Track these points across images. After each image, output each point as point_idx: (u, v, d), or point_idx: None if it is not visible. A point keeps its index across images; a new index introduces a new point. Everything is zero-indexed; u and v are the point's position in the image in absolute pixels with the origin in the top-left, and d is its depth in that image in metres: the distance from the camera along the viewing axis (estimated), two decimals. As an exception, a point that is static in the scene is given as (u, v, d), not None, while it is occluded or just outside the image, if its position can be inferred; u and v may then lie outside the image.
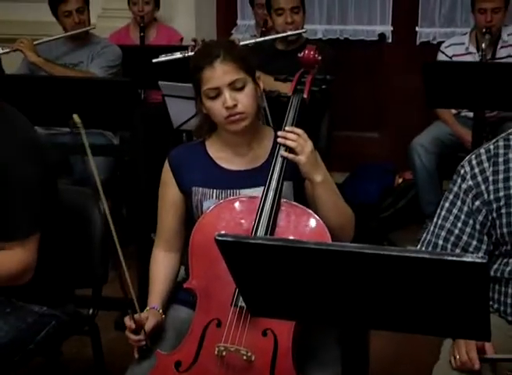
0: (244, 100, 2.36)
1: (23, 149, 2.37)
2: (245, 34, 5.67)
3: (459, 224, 2.30)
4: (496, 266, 2.29)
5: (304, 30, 4.32)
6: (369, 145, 5.60)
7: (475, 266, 1.49)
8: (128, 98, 3.71)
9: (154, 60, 4.08)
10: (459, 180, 2.33)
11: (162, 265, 2.50)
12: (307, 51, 2.52)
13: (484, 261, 1.48)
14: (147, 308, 2.39)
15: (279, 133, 2.32)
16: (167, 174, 2.51)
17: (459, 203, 2.31)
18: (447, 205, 2.34)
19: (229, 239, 1.69)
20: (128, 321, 2.29)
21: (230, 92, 2.35)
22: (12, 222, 2.33)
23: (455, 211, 2.31)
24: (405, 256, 1.53)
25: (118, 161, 4.52)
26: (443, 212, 2.34)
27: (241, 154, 2.48)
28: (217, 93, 2.35)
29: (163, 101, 3.77)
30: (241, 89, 2.36)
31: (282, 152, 2.30)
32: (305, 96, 2.45)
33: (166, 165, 2.52)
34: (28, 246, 2.34)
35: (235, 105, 2.34)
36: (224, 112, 2.35)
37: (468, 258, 1.49)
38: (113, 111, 3.71)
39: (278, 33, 4.36)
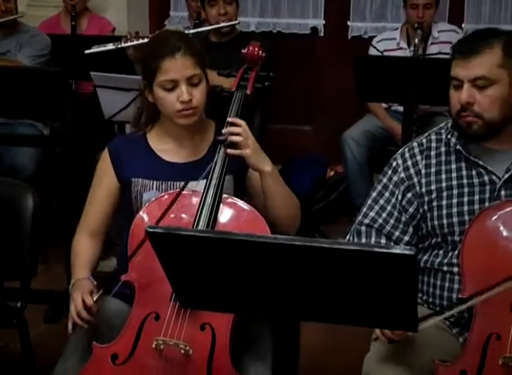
0: (199, 96, 2.37)
1: None
2: (178, 26, 5.64)
3: (383, 214, 2.34)
4: (425, 257, 2.33)
5: (237, 22, 4.31)
6: (302, 138, 5.63)
7: (404, 258, 1.51)
8: (59, 88, 3.67)
9: (86, 51, 4.02)
10: (389, 172, 2.36)
11: (87, 245, 2.48)
12: (251, 48, 2.52)
13: (412, 253, 1.50)
14: (77, 279, 2.36)
15: (223, 130, 2.32)
16: (105, 162, 2.49)
17: (387, 194, 2.35)
18: (374, 194, 2.38)
19: (159, 230, 1.68)
20: (89, 298, 2.26)
21: (187, 87, 2.35)
22: None
23: (381, 201, 2.35)
24: (335, 248, 1.54)
25: (48, 152, 4.46)
26: (369, 201, 2.38)
27: (183, 146, 2.47)
28: (173, 85, 2.35)
29: (94, 92, 3.73)
30: (197, 85, 2.37)
31: (229, 150, 2.30)
32: (248, 92, 2.46)
33: (105, 154, 2.50)
34: None
35: (190, 100, 2.35)
36: (178, 105, 2.35)
37: (397, 250, 1.51)
38: (44, 101, 3.66)
39: (211, 25, 4.35)
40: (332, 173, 5.07)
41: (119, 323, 2.29)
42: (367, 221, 2.35)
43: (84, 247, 2.47)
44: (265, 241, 1.63)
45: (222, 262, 1.69)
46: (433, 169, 2.32)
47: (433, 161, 2.33)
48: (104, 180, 2.49)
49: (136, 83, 3.39)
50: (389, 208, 2.34)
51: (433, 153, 2.33)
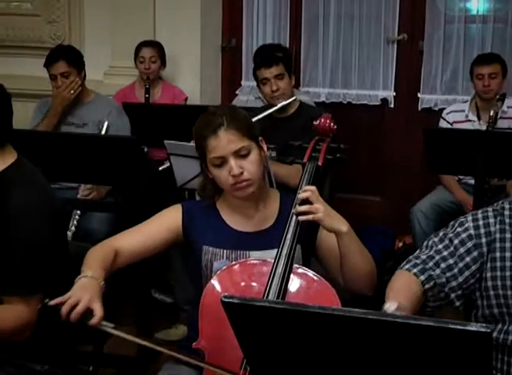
0: (250, 167, 2.40)
1: (38, 209, 2.38)
2: (249, 96, 5.75)
3: (442, 265, 2.31)
4: (495, 334, 2.30)
5: (293, 98, 4.33)
6: (370, 208, 5.63)
7: (480, 336, 1.50)
8: (133, 155, 3.76)
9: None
10: (458, 229, 2.35)
11: (111, 253, 2.41)
12: (322, 120, 2.57)
13: (488, 330, 1.49)
14: (91, 274, 2.25)
15: (295, 210, 2.32)
16: (176, 213, 2.53)
17: (451, 248, 2.33)
18: (440, 246, 2.35)
19: (234, 301, 1.71)
20: (98, 318, 2.15)
21: (236, 160, 2.38)
22: (19, 277, 2.33)
23: (445, 253, 2.33)
24: (409, 323, 1.55)
25: (120, 216, 4.54)
26: (431, 252, 2.34)
27: (249, 216, 2.51)
28: (222, 161, 2.38)
29: (168, 160, 3.81)
30: (246, 156, 2.40)
31: (300, 217, 2.32)
32: (320, 163, 2.50)
33: (178, 208, 2.54)
34: (31, 304, 2.34)
35: (241, 173, 2.38)
36: (230, 179, 2.39)
37: (472, 328, 1.51)
38: (118, 168, 3.75)
39: (268, 102, 4.42)
40: (400, 244, 5.05)
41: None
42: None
43: (108, 252, 2.42)
44: (339, 314, 1.64)
45: (295, 333, 1.70)
46: (508, 235, 2.30)
47: (507, 228, 2.31)
48: (167, 223, 2.51)
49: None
50: (450, 261, 2.31)
51: (508, 221, 2.32)
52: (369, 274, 2.44)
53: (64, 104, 4.66)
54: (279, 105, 4.20)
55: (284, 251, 2.31)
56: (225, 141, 2.37)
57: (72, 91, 4.64)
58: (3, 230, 2.33)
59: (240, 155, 2.39)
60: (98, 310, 2.15)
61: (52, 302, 2.16)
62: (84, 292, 2.17)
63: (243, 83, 5.91)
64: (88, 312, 2.14)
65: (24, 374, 2.44)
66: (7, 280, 2.33)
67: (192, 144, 3.66)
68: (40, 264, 2.36)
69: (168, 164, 3.88)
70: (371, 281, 2.45)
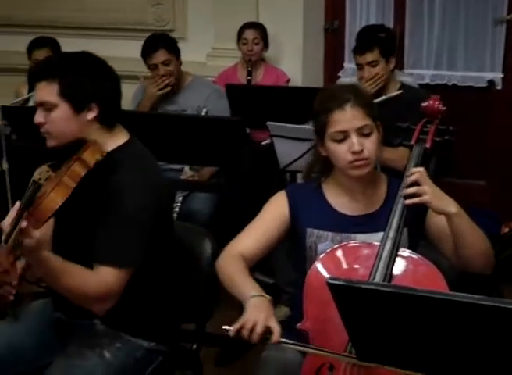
0: (370, 146, 2.38)
1: (142, 188, 2.42)
2: (352, 78, 5.69)
3: None
4: None
5: (398, 92, 4.25)
6: (474, 193, 5.52)
7: None
8: (236, 136, 3.78)
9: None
10: None
11: (243, 264, 2.44)
12: (431, 101, 2.53)
13: None
14: (257, 294, 2.27)
15: (402, 192, 2.31)
16: (282, 202, 2.53)
17: None
18: None
19: (341, 283, 1.70)
20: (277, 336, 2.15)
21: (358, 137, 2.37)
22: (112, 247, 2.36)
23: None
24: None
25: (223, 198, 4.57)
26: None
27: (356, 199, 2.49)
28: (344, 136, 2.38)
29: (271, 141, 3.82)
30: (368, 135, 2.39)
31: (407, 201, 2.29)
32: (427, 146, 2.46)
33: (282, 195, 2.55)
34: (119, 275, 2.36)
35: (361, 151, 2.36)
36: (349, 156, 2.38)
37: None
38: (222, 149, 3.78)
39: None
40: (506, 230, 4.93)
41: (293, 372, 2.30)
42: None
43: (242, 262, 2.45)
44: (448, 299, 1.61)
45: (401, 317, 1.68)
46: None
47: None
48: (277, 215, 2.53)
49: (311, 134, 3.48)
50: None
51: None
52: (486, 252, 2.39)
53: (152, 100, 4.70)
54: (388, 96, 4.14)
55: (391, 234, 2.29)
56: (350, 116, 2.37)
57: (160, 87, 4.67)
58: (106, 203, 2.37)
59: (363, 133, 2.38)
60: (275, 327, 2.16)
61: (232, 333, 2.18)
62: (259, 313, 2.19)
63: (345, 65, 5.86)
64: (267, 332, 2.17)
65: (131, 349, 2.49)
66: (101, 249, 2.36)
67: (296, 125, 3.69)
68: (137, 240, 2.39)
69: (269, 140, 3.88)
70: (488, 259, 2.40)
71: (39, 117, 2.46)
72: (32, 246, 2.13)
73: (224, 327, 2.20)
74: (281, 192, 2.57)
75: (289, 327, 2.37)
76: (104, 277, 2.34)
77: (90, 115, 2.45)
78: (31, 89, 4.80)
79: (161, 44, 4.69)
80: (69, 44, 4.78)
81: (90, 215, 2.39)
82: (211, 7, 5.72)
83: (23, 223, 2.07)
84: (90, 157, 2.35)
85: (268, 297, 2.28)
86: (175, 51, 4.73)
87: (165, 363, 2.56)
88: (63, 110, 2.43)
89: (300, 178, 4.69)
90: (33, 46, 4.86)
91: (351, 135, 2.37)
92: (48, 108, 2.43)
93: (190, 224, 3.12)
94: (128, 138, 2.55)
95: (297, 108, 4.13)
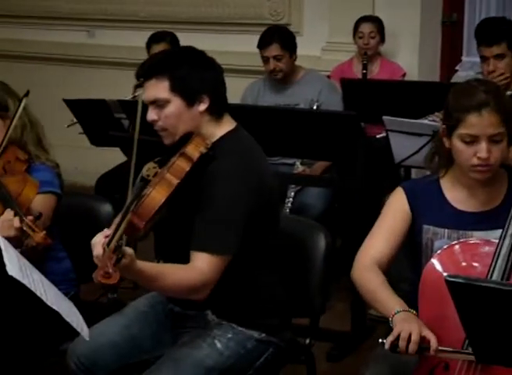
0: (497, 154, 2.31)
1: (241, 177, 2.42)
2: (469, 71, 5.57)
3: None
4: None
5: None
6: None
7: None
8: (351, 131, 3.76)
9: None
10: None
11: (382, 275, 2.39)
12: None
13: None
14: (404, 309, 2.24)
15: None
16: (401, 199, 2.48)
17: None
18: None
19: (459, 280, 1.67)
20: (435, 342, 2.11)
21: (487, 144, 2.29)
22: (209, 234, 2.38)
23: None
24: None
25: (336, 193, 4.55)
26: None
27: (475, 195, 2.42)
28: (473, 140, 2.30)
29: (386, 136, 3.78)
30: (498, 142, 2.30)
31: None
32: None
33: (400, 192, 2.49)
34: (215, 263, 2.36)
35: (488, 158, 2.29)
36: (474, 160, 2.31)
37: None
38: (336, 143, 3.76)
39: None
40: None
41: (405, 370, 2.27)
42: None
43: (380, 273, 2.40)
44: None
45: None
46: None
47: None
48: (399, 213, 2.47)
49: (429, 129, 3.42)
50: None
51: None
52: None
53: None
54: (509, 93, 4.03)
55: (510, 232, 2.22)
56: (486, 123, 2.29)
57: None
58: (203, 190, 2.40)
59: (493, 140, 2.30)
60: (431, 336, 2.13)
61: (387, 345, 2.15)
62: (410, 323, 2.16)
63: (463, 58, 5.74)
64: (421, 341, 2.13)
65: (242, 340, 2.50)
66: (198, 236, 2.38)
67: (413, 120, 3.64)
68: (231, 227, 2.39)
69: (384, 134, 3.84)
70: None
71: (152, 115, 2.49)
72: (127, 264, 2.15)
73: (380, 340, 2.18)
74: (398, 189, 2.52)
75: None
76: (199, 264, 2.35)
77: (202, 106, 2.48)
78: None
79: (276, 38, 4.70)
80: (186, 39, 4.87)
81: (190, 202, 2.41)
82: (326, 1, 5.71)
83: (113, 242, 2.08)
84: (194, 150, 2.38)
85: (413, 311, 2.24)
86: (289, 47, 4.72)
87: (276, 356, 2.56)
88: (176, 105, 2.46)
89: (414, 173, 4.65)
90: (151, 41, 4.95)
91: (481, 141, 2.29)
92: (161, 104, 2.46)
93: (302, 218, 3.13)
94: (234, 126, 2.57)
95: (413, 102, 4.09)
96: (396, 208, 2.49)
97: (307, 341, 2.70)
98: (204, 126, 2.50)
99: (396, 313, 2.22)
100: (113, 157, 4.64)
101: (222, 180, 2.40)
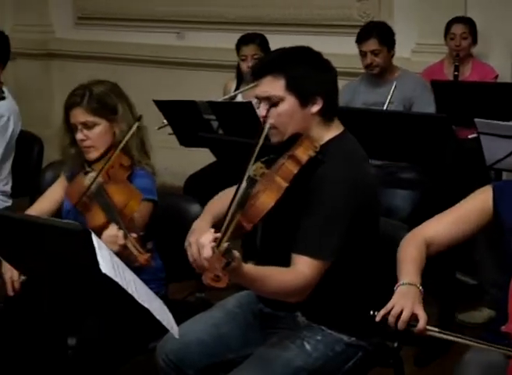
0: None
1: (344, 181, 2.41)
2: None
3: None
4: None
5: None
6: None
7: None
8: (441, 133, 3.71)
9: None
10: None
11: (423, 251, 2.40)
12: None
13: None
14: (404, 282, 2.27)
15: None
16: (486, 194, 2.46)
17: None
18: None
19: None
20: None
21: None
22: (310, 238, 2.38)
23: None
24: None
25: (425, 195, 4.48)
26: None
27: None
28: None
29: (474, 138, 3.73)
30: None
31: None
32: None
33: (489, 190, 2.47)
34: (317, 266, 2.36)
35: None
36: None
37: None
38: (425, 146, 3.72)
39: None
40: None
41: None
42: None
43: (421, 247, 2.40)
44: None
45: None
46: None
47: None
48: (479, 207, 2.44)
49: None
50: None
51: None
52: None
53: None
54: None
55: None
56: None
57: None
58: (310, 194, 2.39)
59: None
60: (422, 315, 2.15)
61: (378, 318, 2.18)
62: (405, 299, 2.18)
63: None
64: (413, 319, 2.15)
65: (331, 343, 2.50)
66: (300, 239, 2.38)
67: (507, 123, 3.58)
68: (336, 232, 2.39)
69: (475, 134, 3.78)
70: None
71: (263, 111, 2.49)
72: (235, 267, 2.15)
73: (371, 312, 2.19)
74: (487, 186, 2.49)
75: (493, 330, 2.30)
76: (301, 268, 2.35)
77: (315, 108, 2.48)
78: (239, 85, 4.96)
79: (375, 32, 4.70)
80: (275, 41, 4.88)
81: (296, 205, 2.41)
82: (416, 2, 5.64)
83: (225, 244, 2.09)
84: (303, 154, 2.37)
85: (420, 287, 2.24)
86: (387, 42, 4.71)
87: (364, 360, 2.54)
88: (290, 104, 2.46)
89: (505, 176, 4.56)
90: (241, 42, 4.97)
91: None
92: (274, 102, 2.46)
93: (390, 219, 3.09)
94: (341, 131, 2.56)
95: (505, 104, 4.01)
96: (478, 202, 2.46)
97: (395, 344, 2.68)
98: (313, 128, 2.49)
99: (401, 284, 2.25)
100: (201, 158, 4.69)
101: (330, 185, 2.39)
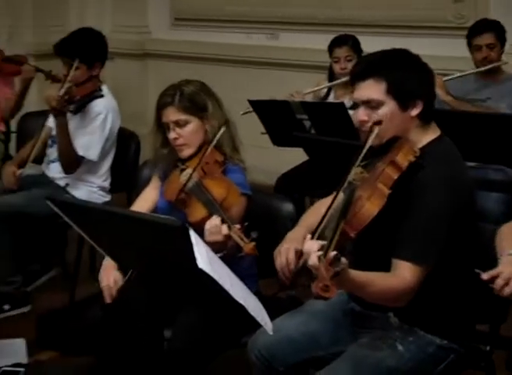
0: None
1: (445, 185, 2.39)
2: None
3: None
4: None
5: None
6: None
7: None
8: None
9: None
10: None
11: None
12: None
13: None
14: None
15: None
16: None
17: None
18: None
19: None
20: None
21: None
22: (411, 243, 2.35)
23: None
24: None
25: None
26: None
27: None
28: None
29: None
30: None
31: None
32: None
33: None
34: (418, 272, 2.34)
35: None
36: None
37: None
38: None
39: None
40: None
41: None
42: None
43: None
44: None
45: None
46: None
47: None
48: None
49: None
50: None
51: None
52: None
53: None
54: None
55: None
56: None
57: None
58: (411, 199, 2.37)
59: None
60: None
61: (486, 276, 2.16)
62: None
63: None
64: None
65: (423, 344, 2.47)
66: (402, 244, 2.36)
67: None
68: (437, 238, 2.36)
69: None
70: None
71: (363, 115, 2.47)
72: (344, 276, 2.14)
73: (475, 270, 2.18)
74: None
75: None
76: (403, 273, 2.33)
77: (415, 111, 2.45)
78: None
79: (491, 27, 4.65)
80: (367, 43, 4.86)
81: (395, 210, 2.38)
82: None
83: (331, 254, 2.05)
84: (404, 159, 2.34)
85: None
86: (501, 39, 4.65)
87: (456, 362, 2.50)
88: (390, 107, 2.44)
89: None
90: (334, 44, 4.94)
91: None
92: (373, 106, 2.45)
93: (482, 223, 3.03)
94: (439, 134, 2.53)
95: None
96: None
97: (488, 347, 2.63)
98: (412, 131, 2.47)
99: (509, 254, 2.23)
100: (292, 157, 4.68)
101: (432, 190, 2.37)
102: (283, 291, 3.12)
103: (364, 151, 2.35)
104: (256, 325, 2.38)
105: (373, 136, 2.38)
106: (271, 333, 2.35)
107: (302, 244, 2.32)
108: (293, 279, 2.51)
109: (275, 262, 2.56)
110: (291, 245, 2.55)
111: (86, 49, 4.17)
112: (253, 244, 2.60)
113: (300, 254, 2.48)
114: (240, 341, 2.80)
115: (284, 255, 2.52)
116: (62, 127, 4.05)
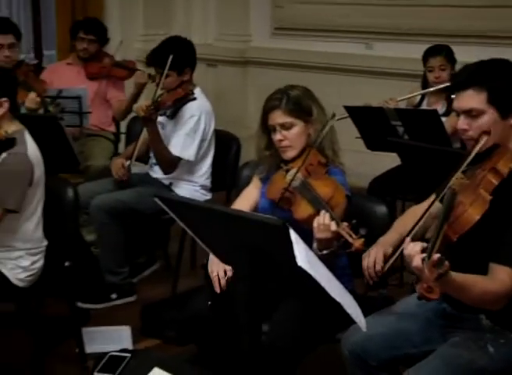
0: None
1: None
2: None
3: None
4: None
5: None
6: None
7: None
8: None
9: None
10: None
11: None
12: None
13: None
14: None
15: None
16: None
17: None
18: None
19: None
20: None
21: None
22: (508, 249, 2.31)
23: None
24: None
25: None
26: None
27: None
28: None
29: None
30: None
31: None
32: None
33: None
34: None
35: None
36: None
37: None
38: None
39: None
40: None
41: None
42: None
43: None
44: None
45: None
46: None
47: None
48: None
49: None
50: None
51: None
52: None
53: None
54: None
55: None
56: None
57: None
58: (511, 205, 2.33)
59: None
60: None
61: None
62: None
63: None
64: None
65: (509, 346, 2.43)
66: (502, 249, 2.31)
67: None
68: None
69: None
70: None
71: (463, 124, 2.44)
72: (448, 278, 2.11)
73: None
74: None
75: None
76: (502, 278, 2.29)
77: None
78: (424, 94, 4.88)
79: None
80: (462, 53, 4.78)
81: (494, 215, 2.33)
82: None
83: (435, 256, 2.04)
84: (504, 166, 2.32)
85: None
86: None
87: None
88: (490, 116, 2.41)
89: None
90: (428, 54, 4.87)
91: None
92: (474, 115, 2.42)
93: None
94: None
95: None
96: None
97: None
98: (511, 139, 2.43)
99: None
100: (384, 161, 4.65)
101: None
102: (376, 290, 3.10)
103: (470, 158, 2.33)
104: (349, 322, 2.37)
105: (481, 144, 2.35)
106: (364, 330, 2.33)
107: (392, 248, 2.42)
108: (378, 279, 2.55)
109: (362, 261, 2.57)
110: (381, 248, 2.57)
111: (174, 57, 4.15)
112: (362, 240, 2.59)
113: (387, 257, 2.54)
114: (334, 336, 2.79)
115: (373, 256, 2.52)
116: (153, 134, 4.13)
